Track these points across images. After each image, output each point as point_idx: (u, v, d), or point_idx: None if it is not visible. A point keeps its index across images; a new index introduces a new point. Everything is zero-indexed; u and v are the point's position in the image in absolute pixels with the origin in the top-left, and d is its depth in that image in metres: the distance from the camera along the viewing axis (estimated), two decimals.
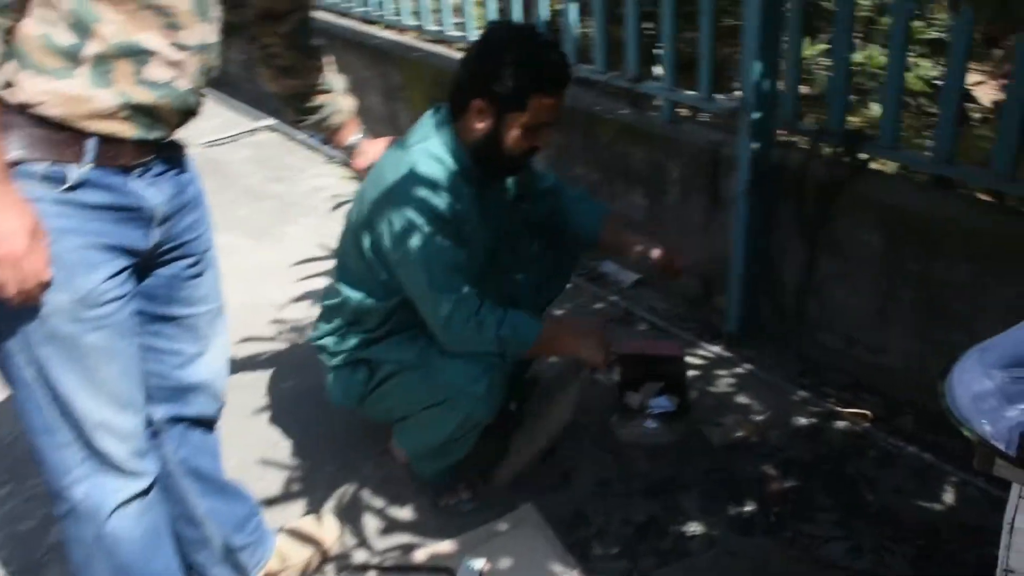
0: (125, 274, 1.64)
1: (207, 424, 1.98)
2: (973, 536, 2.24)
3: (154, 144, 1.62)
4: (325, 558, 2.27)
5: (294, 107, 2.22)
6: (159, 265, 1.76)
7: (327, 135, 2.33)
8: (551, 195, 2.55)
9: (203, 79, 1.66)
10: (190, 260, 1.82)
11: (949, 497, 2.37)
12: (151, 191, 1.64)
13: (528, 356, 2.37)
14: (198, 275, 1.84)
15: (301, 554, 2.21)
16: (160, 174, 1.67)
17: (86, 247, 1.55)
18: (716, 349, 3.04)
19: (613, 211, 2.56)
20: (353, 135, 2.35)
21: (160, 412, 1.86)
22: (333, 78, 2.22)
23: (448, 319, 2.12)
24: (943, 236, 2.45)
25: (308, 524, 2.32)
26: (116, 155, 1.55)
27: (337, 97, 2.24)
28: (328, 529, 2.31)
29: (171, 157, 1.71)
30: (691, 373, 2.90)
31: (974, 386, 1.39)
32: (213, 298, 1.90)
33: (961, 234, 2.41)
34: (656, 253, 2.44)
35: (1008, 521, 1.42)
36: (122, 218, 1.60)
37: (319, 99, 2.20)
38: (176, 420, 1.89)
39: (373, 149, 2.38)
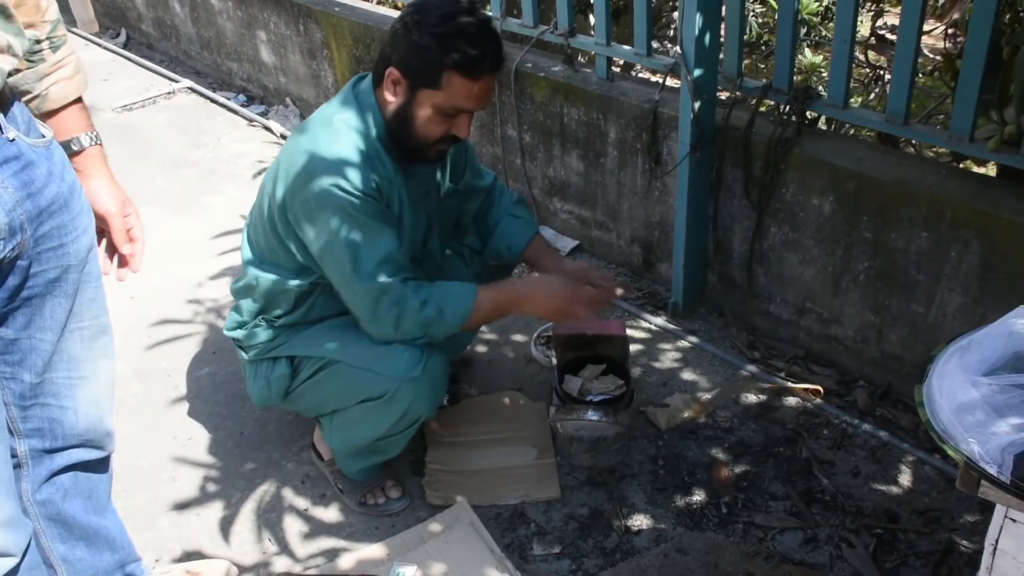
0: None
1: (86, 467, 1.68)
2: (932, 521, 2.08)
3: None
4: None
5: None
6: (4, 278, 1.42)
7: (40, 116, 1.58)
8: (484, 195, 2.32)
9: None
10: (51, 275, 1.47)
11: (906, 479, 2.20)
12: None
13: (477, 325, 2.11)
14: (63, 293, 1.50)
15: None
16: None
17: None
18: (660, 321, 2.83)
19: (539, 232, 2.32)
20: (73, 132, 1.64)
21: (23, 446, 1.56)
22: (62, 35, 1.57)
23: (375, 305, 1.89)
24: (899, 201, 2.26)
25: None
26: None
27: (53, 66, 1.56)
28: None
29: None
30: (634, 347, 2.70)
31: (957, 395, 1.19)
32: (86, 317, 1.57)
33: (918, 199, 2.22)
34: (578, 275, 2.16)
35: (991, 542, 1.24)
36: None
37: (36, 57, 1.53)
38: (41, 458, 1.60)
39: (101, 179, 1.70)
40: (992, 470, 1.10)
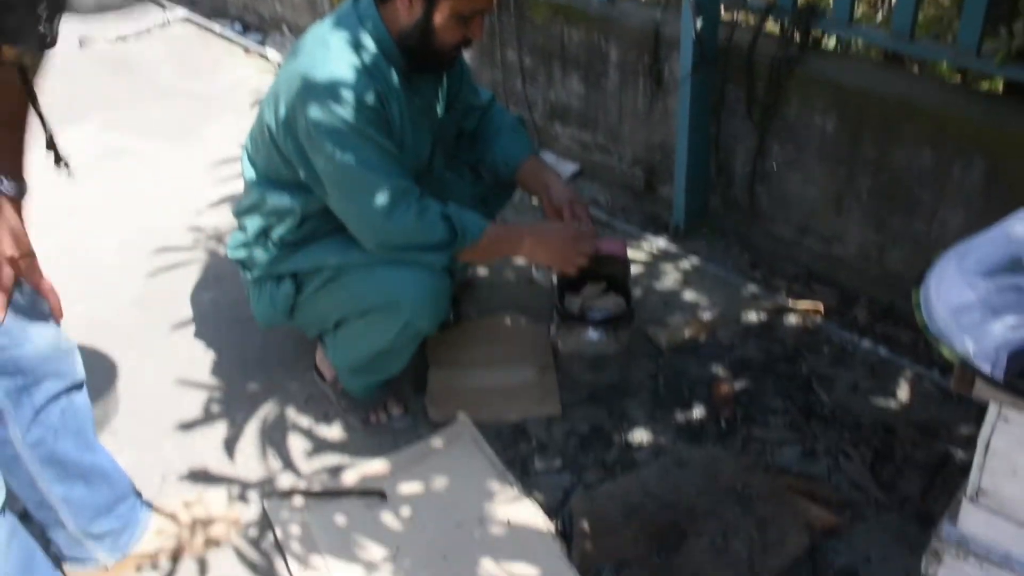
0: None
1: (69, 403, 1.68)
2: (929, 434, 2.11)
3: None
4: (217, 541, 1.99)
5: None
6: None
7: None
8: (481, 111, 2.31)
9: None
10: None
11: (904, 393, 2.23)
12: None
13: (478, 258, 2.16)
14: None
15: (181, 538, 1.94)
16: None
17: None
18: (662, 243, 2.84)
19: (537, 153, 2.33)
20: None
21: None
22: None
23: (390, 208, 1.88)
24: (903, 119, 2.24)
25: (209, 503, 2.04)
26: None
27: None
28: (231, 510, 2.03)
29: None
30: (635, 269, 2.71)
31: (954, 297, 1.20)
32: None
33: (922, 116, 2.21)
34: (563, 199, 2.20)
35: (984, 441, 1.26)
36: None
37: None
38: (19, 397, 1.59)
39: None
40: (986, 369, 1.11)
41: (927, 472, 2.00)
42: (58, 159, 1.52)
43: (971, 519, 1.32)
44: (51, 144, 1.50)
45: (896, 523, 1.92)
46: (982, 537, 1.31)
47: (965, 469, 1.98)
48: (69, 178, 1.56)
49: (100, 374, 2.42)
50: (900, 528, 1.91)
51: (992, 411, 1.22)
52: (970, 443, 2.06)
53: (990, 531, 1.30)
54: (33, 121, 1.45)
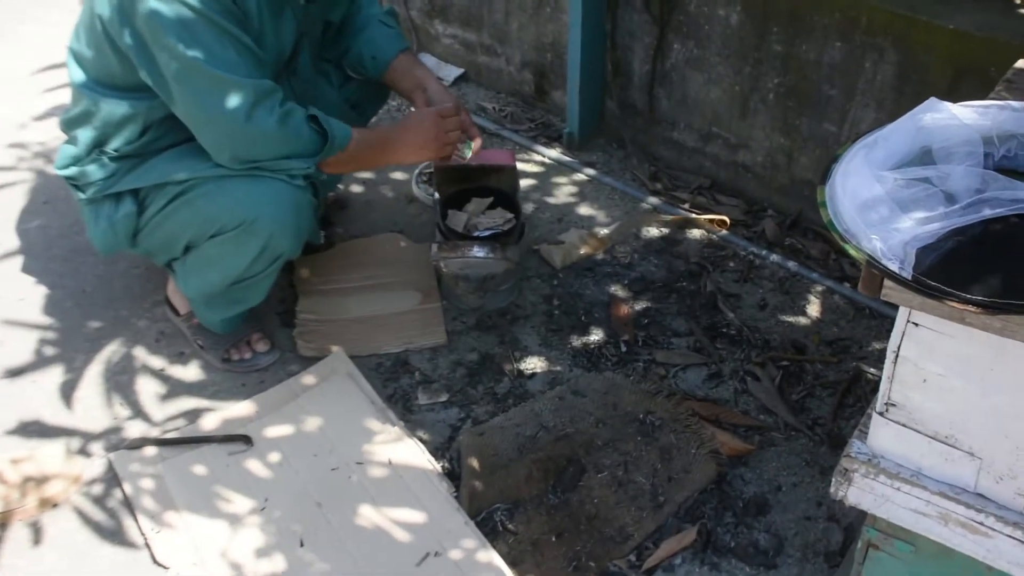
0: None
1: None
2: (840, 351, 2.17)
3: None
4: (53, 502, 1.91)
5: None
6: None
7: None
8: (348, 2, 2.23)
9: None
10: None
11: (814, 309, 2.29)
12: None
13: (346, 167, 2.12)
14: None
15: (9, 501, 1.86)
16: None
17: None
18: (554, 153, 2.83)
19: (410, 48, 2.28)
20: None
21: None
22: None
23: (248, 111, 1.81)
24: (812, 7, 2.26)
25: (43, 459, 1.95)
26: None
27: None
28: (70, 465, 1.95)
29: None
30: (526, 182, 2.70)
31: (862, 192, 1.21)
32: None
33: (833, 4, 2.22)
34: (442, 101, 2.17)
35: (893, 350, 1.28)
36: None
37: None
38: None
39: None
40: (894, 267, 1.13)
41: (838, 391, 2.06)
42: None
43: (881, 434, 1.35)
44: None
45: (807, 447, 1.98)
46: (892, 453, 1.35)
47: (876, 387, 2.05)
48: None
49: None
50: (811, 452, 1.97)
51: (901, 316, 1.25)
52: (881, 359, 2.12)
53: (900, 446, 1.33)
54: None
